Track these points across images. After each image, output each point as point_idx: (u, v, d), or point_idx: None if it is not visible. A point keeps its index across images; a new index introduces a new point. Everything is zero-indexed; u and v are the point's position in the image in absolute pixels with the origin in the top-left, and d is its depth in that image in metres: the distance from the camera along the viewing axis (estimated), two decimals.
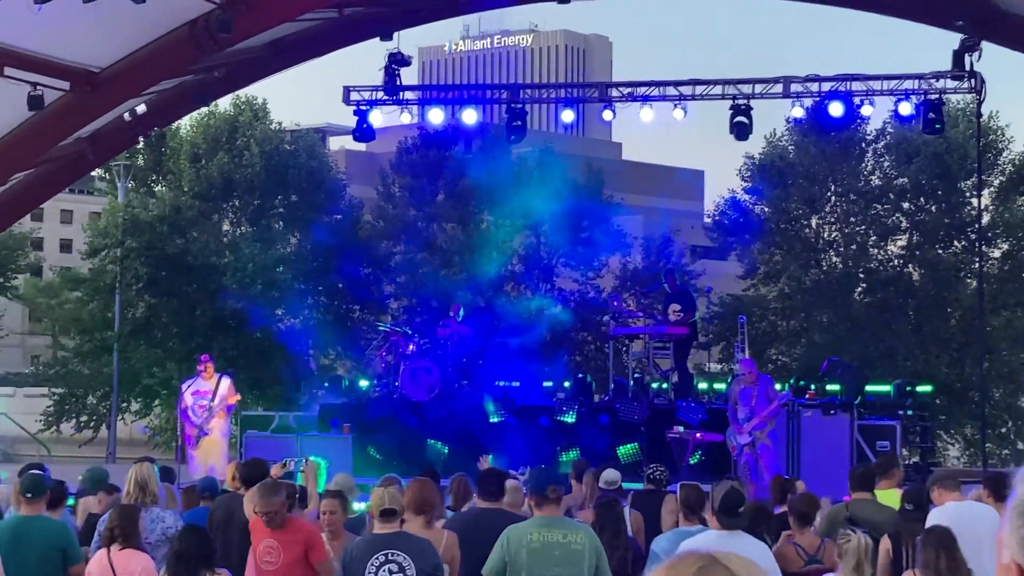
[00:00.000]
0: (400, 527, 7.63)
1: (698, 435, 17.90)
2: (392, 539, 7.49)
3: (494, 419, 20.19)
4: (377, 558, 7.42)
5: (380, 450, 20.44)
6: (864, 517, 9.30)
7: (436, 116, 23.10)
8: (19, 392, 50.79)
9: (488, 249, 38.82)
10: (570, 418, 20.13)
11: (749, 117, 21.15)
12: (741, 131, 21.20)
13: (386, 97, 22.33)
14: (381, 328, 24.62)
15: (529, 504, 7.95)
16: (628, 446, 19.46)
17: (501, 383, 21.41)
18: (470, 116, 22.81)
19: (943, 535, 7.23)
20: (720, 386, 22.15)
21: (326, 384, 23.99)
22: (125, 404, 40.03)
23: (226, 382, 18.27)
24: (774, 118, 42.74)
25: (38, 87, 16.84)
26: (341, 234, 38.57)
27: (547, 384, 21.70)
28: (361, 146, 48.14)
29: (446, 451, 20.11)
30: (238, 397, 18.82)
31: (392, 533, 7.55)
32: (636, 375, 21.50)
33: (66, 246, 77.54)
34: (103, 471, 11.42)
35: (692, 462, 17.78)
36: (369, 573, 7.38)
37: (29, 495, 8.73)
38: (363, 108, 22.53)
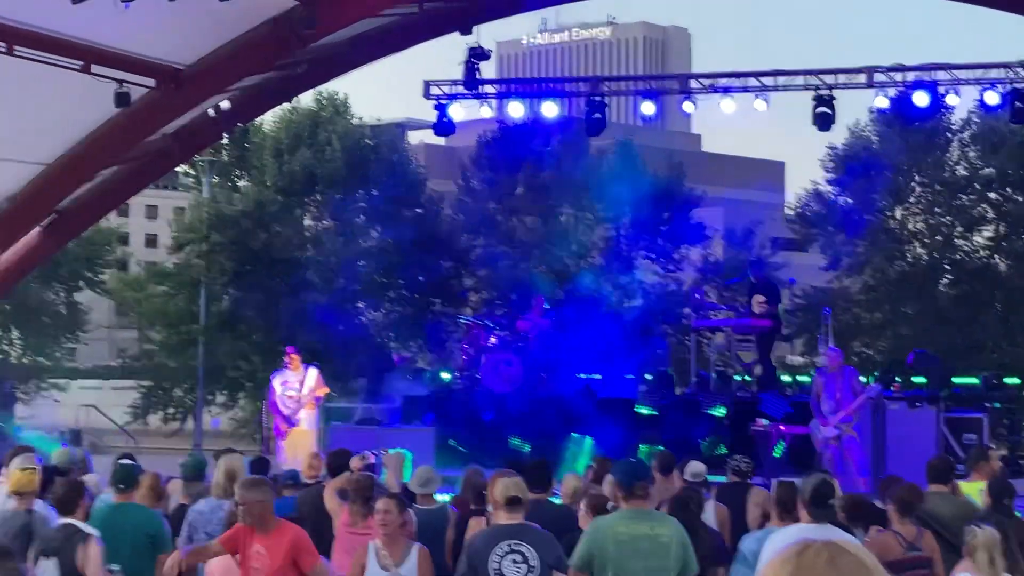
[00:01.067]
0: (522, 517, 7.70)
1: (782, 428, 17.74)
2: (517, 530, 7.60)
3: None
4: (501, 547, 7.51)
5: (462, 442, 20.50)
6: (930, 511, 9.12)
7: (516, 110, 23.08)
8: (107, 385, 51.65)
9: (568, 242, 38.79)
10: (652, 411, 20.07)
11: (832, 107, 20.89)
12: (824, 122, 20.94)
13: (466, 91, 22.33)
14: (463, 321, 24.68)
15: (615, 496, 7.93)
16: (711, 440, 19.35)
17: (582, 375, 21.37)
18: (550, 109, 22.76)
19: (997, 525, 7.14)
20: (804, 379, 21.94)
21: (409, 377, 24.13)
22: (211, 397, 40.55)
23: (314, 373, 18.45)
24: (857, 108, 42.30)
25: (124, 84, 17.05)
26: (421, 228, 38.74)
27: (628, 377, 21.62)
28: (441, 140, 48.26)
29: (528, 443, 20.13)
30: (327, 389, 18.96)
31: (517, 524, 7.66)
32: (718, 368, 21.33)
33: (152, 241, 78.64)
34: (203, 460, 11.55)
35: (776, 455, 17.63)
36: (493, 562, 7.47)
37: (121, 486, 8.84)
38: (443, 102, 22.57)
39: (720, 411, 19.47)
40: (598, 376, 21.33)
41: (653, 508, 8.08)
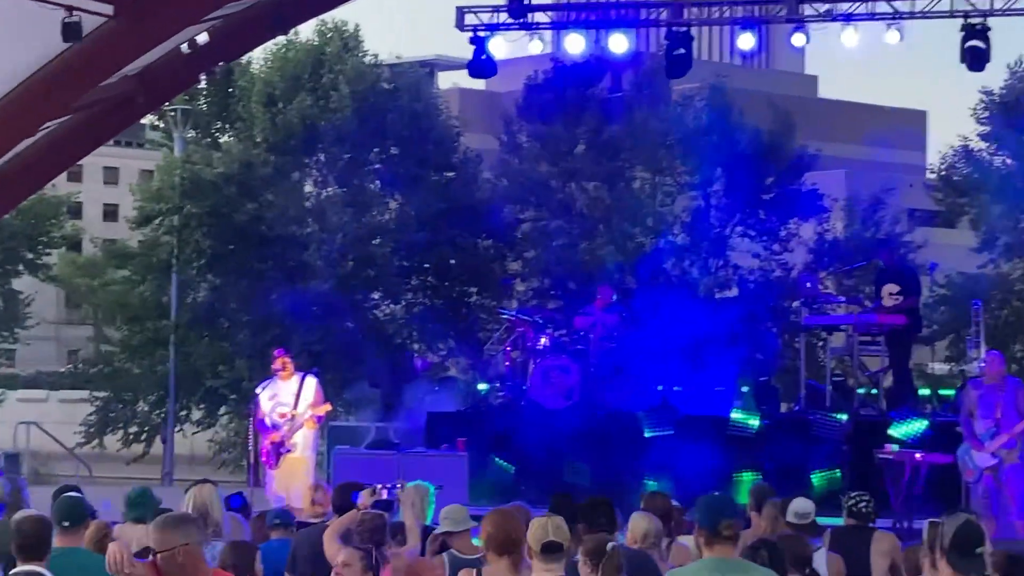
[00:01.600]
0: (563, 569, 7.65)
1: (918, 456, 17.66)
2: None
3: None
4: None
5: (503, 472, 20.58)
6: None
7: (575, 44, 23.04)
8: (53, 396, 52.10)
9: (642, 215, 38.68)
10: (749, 433, 20.05)
11: (986, 41, 20.72)
12: (976, 59, 20.76)
13: (511, 20, 22.31)
14: (505, 316, 24.73)
15: (696, 542, 7.92)
16: (825, 471, 19.34)
17: (659, 387, 21.37)
18: (619, 43, 22.71)
19: None
20: (948, 392, 21.85)
21: (435, 388, 24.23)
22: (184, 412, 40.80)
23: (312, 384, 18.46)
24: (1021, 41, 41.84)
25: (74, 12, 17.15)
26: (454, 196, 38.78)
27: (719, 389, 21.63)
28: (480, 83, 48.20)
29: (588, 473, 20.14)
30: (329, 407, 19.00)
31: None
32: (836, 378, 21.29)
33: (111, 213, 79.27)
34: (147, 492, 11.59)
35: (910, 491, 17.57)
36: None
37: (66, 523, 8.89)
38: (481, 35, 22.55)
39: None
40: (680, 387, 21.31)
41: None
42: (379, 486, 11.01)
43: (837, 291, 29.37)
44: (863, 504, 11.36)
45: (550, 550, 7.65)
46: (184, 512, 8.59)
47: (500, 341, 24.37)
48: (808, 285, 23.79)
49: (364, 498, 10.51)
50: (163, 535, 7.34)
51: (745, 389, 21.72)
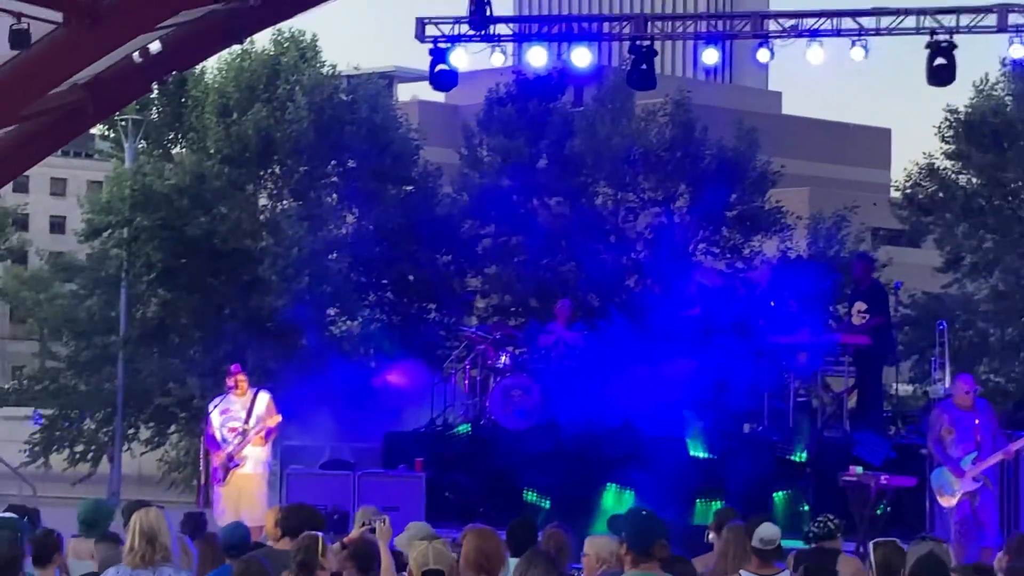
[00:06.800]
0: None
1: (883, 479, 17.69)
2: None
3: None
4: None
5: (462, 493, 20.54)
6: None
7: (537, 57, 23.06)
8: None
9: (604, 231, 38.72)
10: (707, 454, 20.06)
11: (952, 58, 20.85)
12: (941, 77, 20.90)
13: (472, 32, 22.32)
14: (465, 333, 24.68)
15: (622, 559, 7.86)
16: (788, 493, 19.38)
17: (622, 407, 21.36)
18: (582, 57, 22.75)
19: None
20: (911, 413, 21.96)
21: (392, 407, 24.15)
22: (133, 430, 40.59)
23: (264, 398, 18.45)
24: (986, 59, 42.12)
25: (23, 19, 17.04)
26: (413, 211, 38.72)
27: (685, 412, 21.60)
28: (440, 96, 48.30)
29: (549, 495, 20.13)
30: (279, 418, 18.91)
31: None
32: (800, 398, 21.32)
33: (58, 225, 78.95)
34: (110, 506, 11.49)
35: (874, 514, 17.62)
36: None
37: None
38: (442, 46, 22.55)
39: (799, 455, 19.47)
40: (641, 409, 21.30)
41: None
42: (367, 512, 10.87)
43: (801, 310, 29.31)
44: (831, 525, 11.57)
45: None
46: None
47: (459, 359, 24.32)
48: (772, 304, 23.83)
49: (360, 525, 10.40)
50: None
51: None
